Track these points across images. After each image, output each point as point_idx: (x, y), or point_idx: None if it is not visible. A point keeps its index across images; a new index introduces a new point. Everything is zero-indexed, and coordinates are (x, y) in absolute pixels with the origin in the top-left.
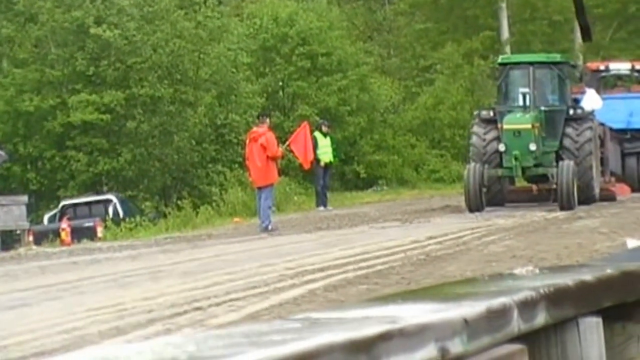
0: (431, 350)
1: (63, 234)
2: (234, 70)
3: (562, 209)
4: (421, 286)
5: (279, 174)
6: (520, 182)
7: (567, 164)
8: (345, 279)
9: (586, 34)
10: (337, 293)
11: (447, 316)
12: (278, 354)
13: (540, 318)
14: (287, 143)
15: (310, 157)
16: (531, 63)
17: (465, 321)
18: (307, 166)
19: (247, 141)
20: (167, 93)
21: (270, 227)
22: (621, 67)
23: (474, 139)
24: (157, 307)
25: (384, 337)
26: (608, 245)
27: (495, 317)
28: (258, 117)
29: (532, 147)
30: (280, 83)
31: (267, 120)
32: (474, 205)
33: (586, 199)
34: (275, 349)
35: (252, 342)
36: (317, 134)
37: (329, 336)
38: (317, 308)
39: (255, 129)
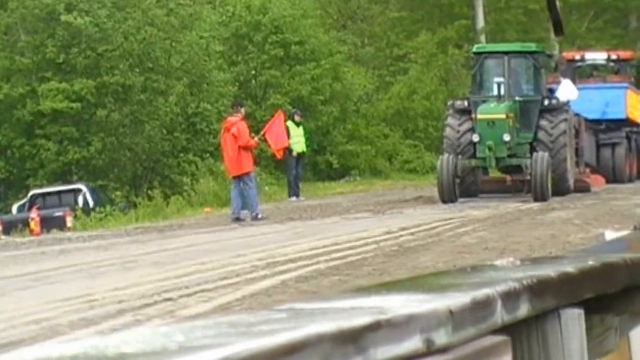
0: (417, 341)
1: (32, 224)
2: (206, 58)
3: (535, 200)
4: (394, 277)
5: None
6: (494, 173)
7: (542, 155)
8: (317, 270)
9: (558, 29)
10: (309, 284)
11: (433, 306)
12: (268, 344)
13: (523, 309)
14: (261, 132)
15: (282, 146)
16: (506, 52)
17: (451, 312)
18: (278, 155)
19: (222, 131)
20: (138, 81)
21: (260, 215)
22: (597, 56)
23: (448, 130)
24: (127, 297)
25: (372, 328)
26: (581, 237)
27: (480, 308)
28: (232, 107)
29: (506, 137)
30: (253, 72)
31: (242, 109)
32: (447, 197)
33: (560, 190)
34: (265, 339)
35: (241, 332)
36: (289, 123)
37: (318, 326)
38: (290, 299)
39: (228, 118)
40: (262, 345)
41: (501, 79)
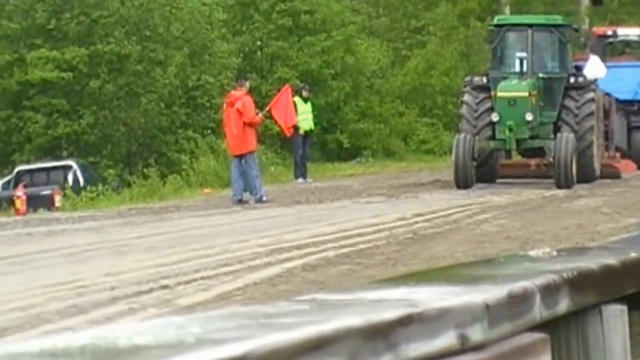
0: (451, 337)
1: (18, 203)
2: (208, 27)
3: (559, 186)
4: (409, 268)
5: (258, 142)
6: (516, 156)
7: (566, 137)
8: (324, 258)
9: None
10: (316, 273)
11: (468, 300)
12: (293, 337)
13: (563, 304)
14: (267, 108)
15: (292, 123)
16: (529, 25)
17: (487, 306)
18: (288, 133)
19: (224, 106)
20: (135, 51)
21: (264, 197)
22: (630, 32)
23: (465, 108)
24: (119, 284)
25: (404, 322)
26: (611, 227)
27: (517, 303)
28: (236, 80)
29: (529, 117)
30: (259, 42)
31: (246, 83)
32: (463, 181)
33: (586, 176)
34: (289, 333)
35: (261, 324)
36: (297, 99)
37: (346, 320)
38: (295, 289)
39: (232, 92)
40: (287, 339)
41: (524, 54)
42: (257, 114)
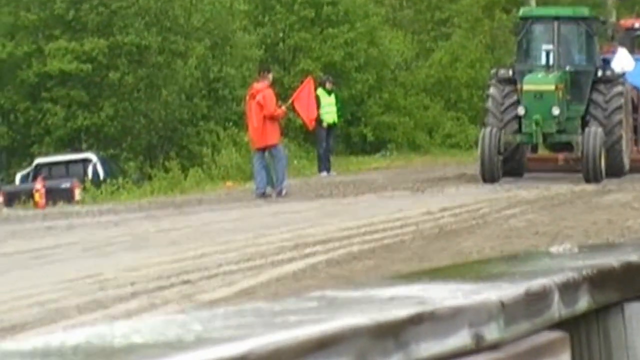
0: (465, 336)
1: (37, 196)
2: (229, 18)
3: (587, 181)
4: (435, 263)
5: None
6: (542, 151)
7: (594, 131)
8: (349, 253)
9: None
10: (341, 268)
11: (483, 298)
12: (297, 336)
13: (583, 302)
14: (289, 101)
15: (313, 116)
16: (556, 17)
17: (502, 304)
18: (310, 126)
19: (247, 98)
20: (155, 42)
21: (284, 191)
22: None
23: (490, 102)
24: (140, 279)
25: (414, 321)
26: None
27: (535, 301)
28: (259, 72)
29: (555, 111)
30: (281, 34)
31: (269, 75)
32: (489, 175)
33: (615, 170)
34: (293, 331)
35: (266, 322)
36: (320, 91)
37: (353, 318)
38: (320, 285)
39: (254, 84)
40: (290, 338)
41: (550, 47)
42: (279, 106)
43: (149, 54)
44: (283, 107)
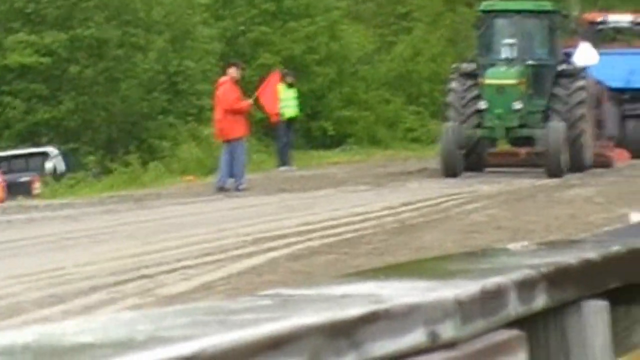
0: (420, 334)
1: None
2: (189, 11)
3: (549, 175)
4: (396, 258)
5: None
6: (503, 145)
7: (557, 126)
8: (310, 247)
9: None
10: (301, 263)
11: (438, 296)
12: (249, 335)
13: (540, 301)
14: (255, 95)
15: (276, 110)
16: (518, 11)
17: (458, 302)
18: (275, 119)
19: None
20: (115, 35)
21: (242, 186)
22: (621, 19)
23: (452, 96)
24: (100, 273)
25: (369, 319)
26: (604, 217)
27: (490, 299)
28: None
29: (517, 105)
30: (241, 27)
31: (232, 69)
32: (450, 170)
33: (578, 165)
34: (245, 331)
35: (220, 321)
36: (280, 85)
37: (307, 317)
38: (280, 280)
39: (221, 78)
40: (242, 338)
41: (512, 41)
42: (243, 100)
43: (109, 47)
44: (248, 101)
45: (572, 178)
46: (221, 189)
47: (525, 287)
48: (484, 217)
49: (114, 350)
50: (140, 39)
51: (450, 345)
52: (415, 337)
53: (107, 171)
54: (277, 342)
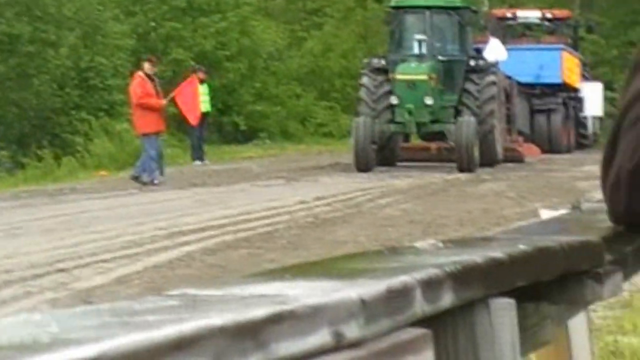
0: (325, 334)
1: None
2: (100, 7)
3: (461, 170)
4: (311, 252)
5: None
6: (415, 140)
7: (467, 121)
8: (224, 241)
9: None
10: (216, 257)
11: (343, 296)
12: (153, 337)
13: (446, 299)
14: (171, 95)
15: (198, 113)
16: (428, 7)
17: (363, 302)
18: (194, 122)
19: None
20: (26, 31)
21: (155, 180)
22: (530, 15)
23: (363, 91)
24: (14, 267)
25: (274, 320)
26: (516, 212)
27: (396, 298)
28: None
29: (428, 100)
30: (152, 23)
31: (146, 64)
32: (363, 164)
33: (488, 160)
34: (150, 332)
35: (124, 322)
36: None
37: (211, 318)
38: (195, 274)
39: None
40: (145, 339)
41: (422, 37)
42: (152, 96)
43: (19, 43)
44: (159, 100)
45: (484, 173)
46: (135, 178)
47: (431, 285)
48: (396, 212)
49: (14, 353)
50: (52, 34)
51: (356, 344)
52: (320, 337)
53: (21, 166)
54: (181, 344)
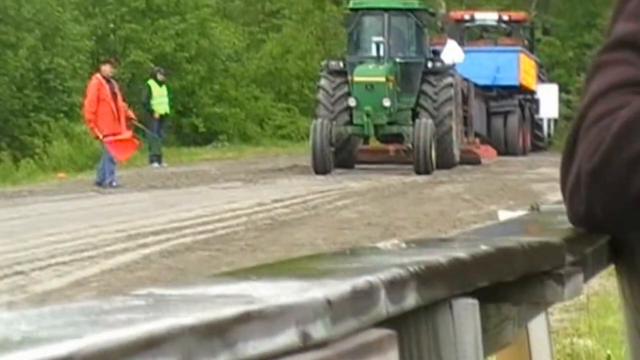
0: (291, 334)
1: None
2: (60, 9)
3: (418, 172)
4: (268, 254)
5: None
6: (373, 142)
7: (425, 123)
8: (183, 244)
9: None
10: (174, 259)
11: (310, 296)
12: (124, 336)
13: (411, 299)
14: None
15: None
16: (386, 9)
17: (329, 302)
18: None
19: None
20: None
21: (113, 183)
22: (487, 17)
23: (321, 93)
24: None
25: (242, 320)
26: (473, 214)
27: (361, 298)
28: None
29: (386, 102)
30: (112, 25)
31: (105, 66)
32: (321, 167)
33: (445, 162)
34: (120, 331)
35: (93, 321)
36: (151, 82)
37: (180, 317)
38: (154, 276)
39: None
40: (117, 338)
41: (380, 39)
42: (104, 99)
43: None
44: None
45: (440, 175)
46: (98, 184)
47: (396, 286)
48: (354, 214)
49: None
50: (11, 36)
51: (322, 345)
52: (287, 337)
53: None
54: (150, 343)
